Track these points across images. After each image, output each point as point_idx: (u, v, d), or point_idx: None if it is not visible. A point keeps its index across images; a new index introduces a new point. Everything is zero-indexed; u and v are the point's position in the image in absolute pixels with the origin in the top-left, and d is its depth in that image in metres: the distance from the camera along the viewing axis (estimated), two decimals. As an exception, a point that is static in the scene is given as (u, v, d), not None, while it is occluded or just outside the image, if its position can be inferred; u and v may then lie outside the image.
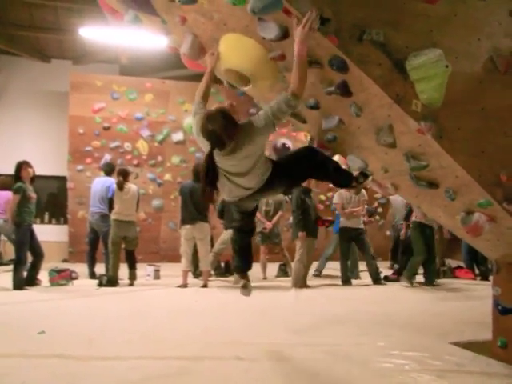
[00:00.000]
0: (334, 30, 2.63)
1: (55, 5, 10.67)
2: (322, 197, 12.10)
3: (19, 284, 6.85)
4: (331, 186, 10.80)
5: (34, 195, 7.14)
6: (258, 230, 8.55)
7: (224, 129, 3.05)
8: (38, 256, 7.25)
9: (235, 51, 3.25)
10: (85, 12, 10.32)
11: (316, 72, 2.99)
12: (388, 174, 3.60)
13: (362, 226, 8.25)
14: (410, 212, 8.23)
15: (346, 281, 8.00)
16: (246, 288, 3.97)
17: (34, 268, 7.26)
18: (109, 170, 8.52)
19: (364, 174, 3.70)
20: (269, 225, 8.40)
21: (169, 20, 3.63)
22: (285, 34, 2.81)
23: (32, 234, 7.12)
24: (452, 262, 9.64)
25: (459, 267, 9.10)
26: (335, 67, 2.76)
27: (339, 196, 8.31)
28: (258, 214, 8.56)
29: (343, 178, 3.66)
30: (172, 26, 3.67)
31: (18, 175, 7.08)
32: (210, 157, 3.12)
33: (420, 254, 7.72)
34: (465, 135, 2.94)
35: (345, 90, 2.91)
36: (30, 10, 10.98)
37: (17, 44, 12.37)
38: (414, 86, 2.78)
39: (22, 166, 7.12)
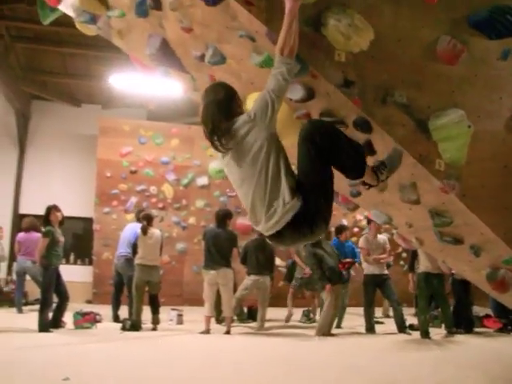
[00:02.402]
0: (358, 92, 2.72)
1: (86, 53, 11.26)
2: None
3: (45, 326, 6.93)
4: (355, 230, 10.74)
5: (62, 239, 7.32)
6: (299, 275, 8.67)
7: (220, 103, 2.64)
8: (64, 298, 7.37)
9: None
10: (113, 60, 10.76)
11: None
12: (412, 229, 3.62)
13: (386, 272, 8.17)
14: (413, 261, 8.09)
15: (370, 329, 7.87)
16: None
17: (59, 310, 7.36)
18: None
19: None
20: (309, 270, 8.33)
21: (198, 78, 3.78)
22: (310, 96, 2.91)
23: (58, 276, 7.27)
24: (480, 310, 9.39)
25: (487, 316, 8.85)
26: (360, 128, 2.83)
27: (365, 241, 8.23)
28: (297, 259, 8.74)
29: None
30: (201, 83, 3.82)
31: (47, 219, 7.31)
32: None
33: (423, 313, 7.53)
34: (488, 193, 2.97)
35: (369, 149, 2.98)
36: (63, 58, 11.56)
37: (49, 90, 12.93)
38: (436, 146, 2.83)
39: (51, 210, 7.34)
